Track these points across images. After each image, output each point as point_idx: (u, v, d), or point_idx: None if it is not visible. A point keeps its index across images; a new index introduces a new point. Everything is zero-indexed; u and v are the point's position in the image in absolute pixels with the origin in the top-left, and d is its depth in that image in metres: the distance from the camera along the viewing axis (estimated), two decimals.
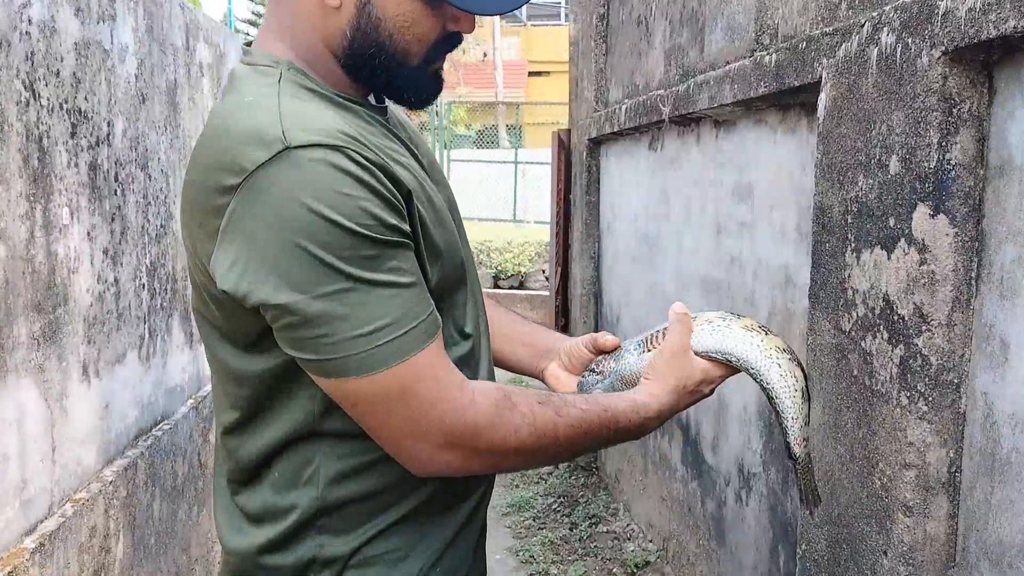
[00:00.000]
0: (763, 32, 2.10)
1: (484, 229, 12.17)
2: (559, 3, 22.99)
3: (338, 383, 0.87)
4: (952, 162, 1.27)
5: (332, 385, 0.88)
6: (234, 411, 0.98)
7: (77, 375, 2.20)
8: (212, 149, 0.89)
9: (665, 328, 1.11)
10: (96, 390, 2.32)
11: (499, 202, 14.87)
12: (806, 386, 1.07)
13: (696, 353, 1.08)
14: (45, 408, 2.03)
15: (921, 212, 1.32)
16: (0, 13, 1.88)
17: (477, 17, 0.98)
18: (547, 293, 10.05)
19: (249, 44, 1.03)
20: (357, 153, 0.86)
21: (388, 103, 1.06)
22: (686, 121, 2.75)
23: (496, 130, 19.17)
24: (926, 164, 1.30)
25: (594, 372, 1.16)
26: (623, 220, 3.84)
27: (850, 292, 1.54)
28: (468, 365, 1.02)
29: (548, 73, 19.17)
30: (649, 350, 1.12)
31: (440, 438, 0.89)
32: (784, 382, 1.05)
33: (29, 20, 1.96)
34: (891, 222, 1.40)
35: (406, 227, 0.89)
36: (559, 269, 5.48)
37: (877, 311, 1.45)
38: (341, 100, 0.96)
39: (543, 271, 11.01)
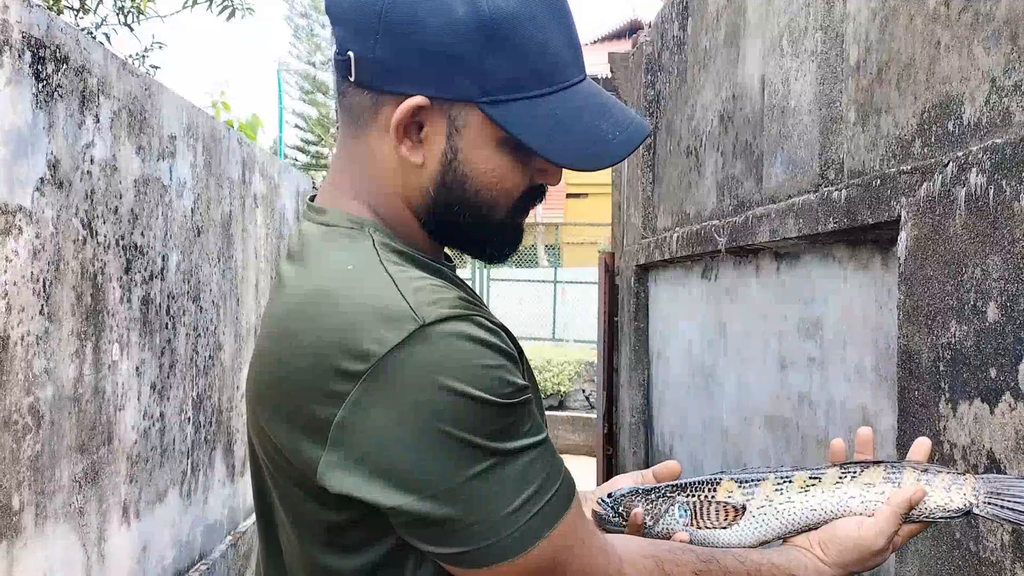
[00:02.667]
0: (828, 167, 2.06)
1: (523, 348, 12.10)
2: None
3: (489, 572, 0.78)
4: None
5: (482, 575, 0.79)
6: None
7: (117, 517, 2.12)
8: (318, 327, 0.79)
9: (712, 498, 1.00)
10: (135, 531, 2.24)
11: (538, 321, 14.87)
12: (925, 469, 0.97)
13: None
14: (83, 554, 1.94)
15: None
16: (64, 153, 1.90)
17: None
18: (588, 415, 9.86)
19: (312, 199, 0.96)
20: (483, 318, 0.80)
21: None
22: (743, 252, 2.69)
23: (535, 249, 19.39)
24: None
25: (620, 516, 1.01)
26: (674, 348, 3.74)
27: (946, 446, 1.42)
28: None
29: (586, 195, 19.49)
30: (697, 524, 0.99)
31: None
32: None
33: (91, 159, 1.98)
34: (992, 373, 1.30)
35: (527, 383, 0.83)
36: (606, 394, 5.35)
37: (981, 470, 1.33)
38: (429, 262, 0.90)
39: (583, 390, 10.86)
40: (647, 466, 4.31)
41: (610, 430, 5.29)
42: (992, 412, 1.30)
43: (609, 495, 1.04)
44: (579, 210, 19.49)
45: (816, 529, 0.99)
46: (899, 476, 0.98)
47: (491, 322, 0.81)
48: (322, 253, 0.86)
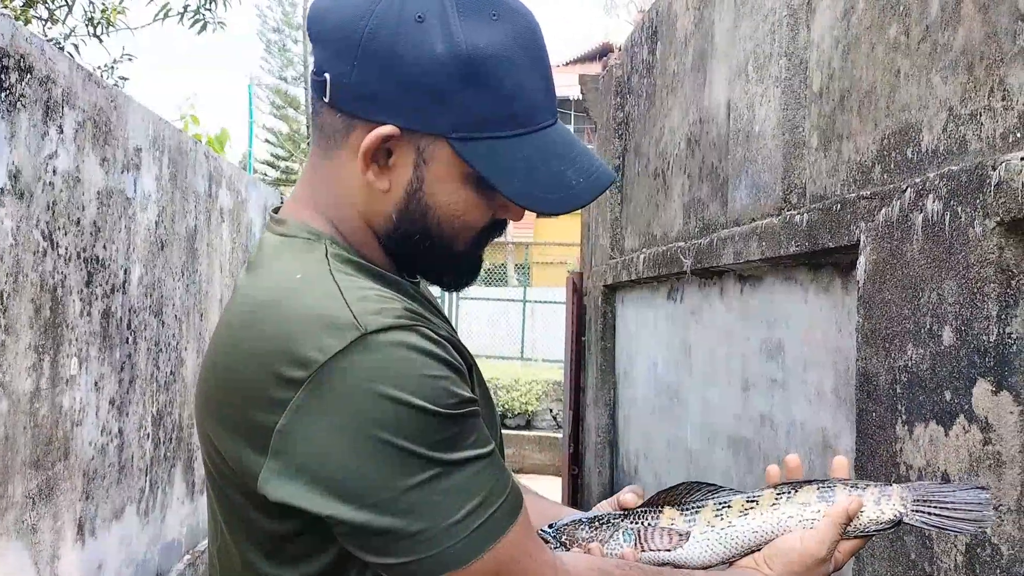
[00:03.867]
0: (791, 191, 2.09)
1: (491, 366, 12.08)
2: None
3: None
4: (1014, 336, 1.20)
5: None
6: None
7: (71, 535, 2.08)
8: (261, 335, 0.79)
9: (656, 524, 1.01)
10: (90, 550, 2.19)
11: (507, 339, 14.86)
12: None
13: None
14: (35, 573, 1.90)
15: (982, 388, 1.24)
16: (26, 163, 1.88)
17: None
18: (555, 434, 9.84)
19: (276, 211, 0.96)
20: (428, 330, 0.80)
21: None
22: (708, 273, 2.71)
23: (504, 268, 19.40)
24: (984, 337, 1.23)
25: (558, 540, 1.01)
26: (640, 368, 3.76)
27: (903, 468, 1.44)
28: None
29: (556, 214, 19.54)
30: (642, 547, 1.00)
31: None
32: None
33: (54, 170, 1.96)
34: (947, 396, 1.32)
35: (474, 396, 0.83)
36: (572, 414, 5.36)
37: None
38: (384, 274, 0.90)
39: (551, 410, 10.84)
40: (612, 485, 4.31)
41: (576, 450, 5.29)
42: (947, 434, 1.32)
43: (551, 525, 1.04)
44: (549, 230, 19.55)
45: (759, 550, 1.00)
46: (831, 493, 1.01)
47: (436, 334, 0.81)
48: (274, 262, 0.87)
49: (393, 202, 0.88)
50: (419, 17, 0.83)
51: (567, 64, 19.83)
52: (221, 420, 0.82)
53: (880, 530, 0.99)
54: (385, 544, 0.77)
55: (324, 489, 0.76)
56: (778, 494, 1.02)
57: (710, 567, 1.01)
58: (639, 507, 1.04)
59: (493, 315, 15.12)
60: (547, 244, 18.49)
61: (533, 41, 0.87)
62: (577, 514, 1.06)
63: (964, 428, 1.28)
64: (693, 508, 1.03)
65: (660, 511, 1.03)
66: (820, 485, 1.01)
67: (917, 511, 0.97)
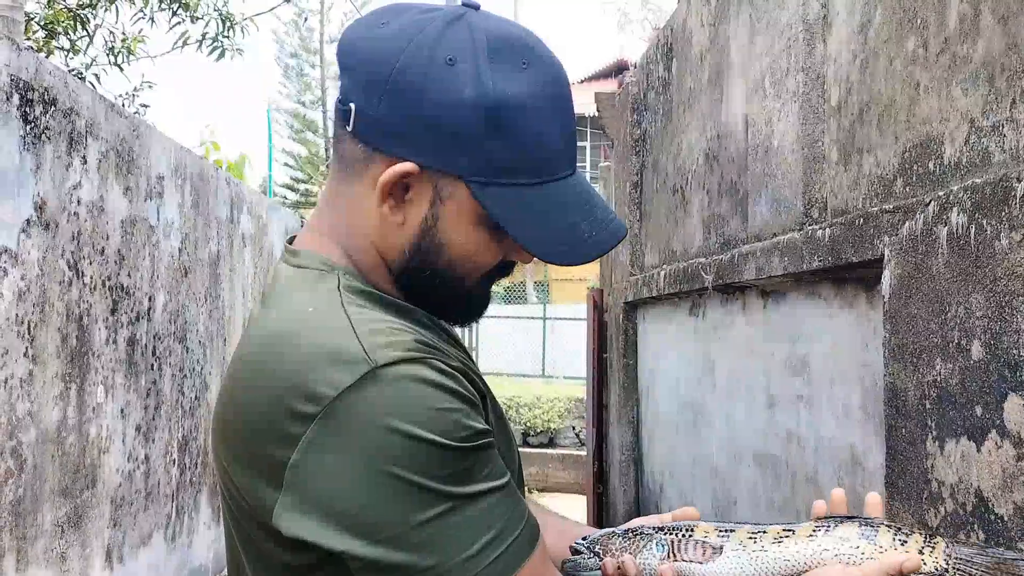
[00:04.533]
0: (812, 205, 2.08)
1: (513, 385, 12.06)
2: (584, 167, 23.81)
3: None
4: None
5: None
6: None
7: (100, 562, 2.09)
8: (274, 369, 0.80)
9: (690, 536, 1.01)
10: None
11: (528, 358, 14.84)
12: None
13: None
14: None
15: (1013, 403, 1.22)
16: (51, 195, 1.90)
17: None
18: (578, 452, 9.79)
19: (291, 241, 0.96)
20: (440, 362, 0.80)
21: None
22: (730, 289, 2.70)
23: (524, 286, 19.41)
24: (1015, 351, 1.22)
25: (597, 556, 1.02)
26: (663, 386, 3.74)
27: (935, 484, 1.42)
28: None
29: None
30: (674, 558, 1.00)
31: None
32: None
33: (78, 201, 1.98)
34: (978, 411, 1.30)
35: (488, 427, 0.82)
36: (595, 431, 5.33)
37: (969, 508, 1.33)
38: (398, 303, 0.90)
39: (574, 427, 10.79)
40: (637, 503, 4.28)
41: (600, 467, 5.26)
42: (979, 450, 1.30)
43: (584, 537, 1.04)
44: None
45: None
46: (874, 533, 0.99)
47: (449, 365, 0.80)
48: (287, 295, 0.87)
49: (407, 237, 0.88)
50: (450, 60, 0.84)
51: (582, 81, 19.88)
52: (236, 454, 0.83)
53: None
54: None
55: (337, 524, 0.76)
56: (816, 527, 1.01)
57: None
58: (674, 524, 1.04)
59: (513, 333, 15.12)
60: None
61: (559, 91, 0.88)
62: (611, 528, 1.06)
63: (996, 444, 1.26)
64: (729, 527, 1.03)
65: (695, 526, 1.03)
66: (862, 523, 1.00)
67: (959, 569, 0.96)
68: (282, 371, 0.79)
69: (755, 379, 2.54)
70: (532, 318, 15.49)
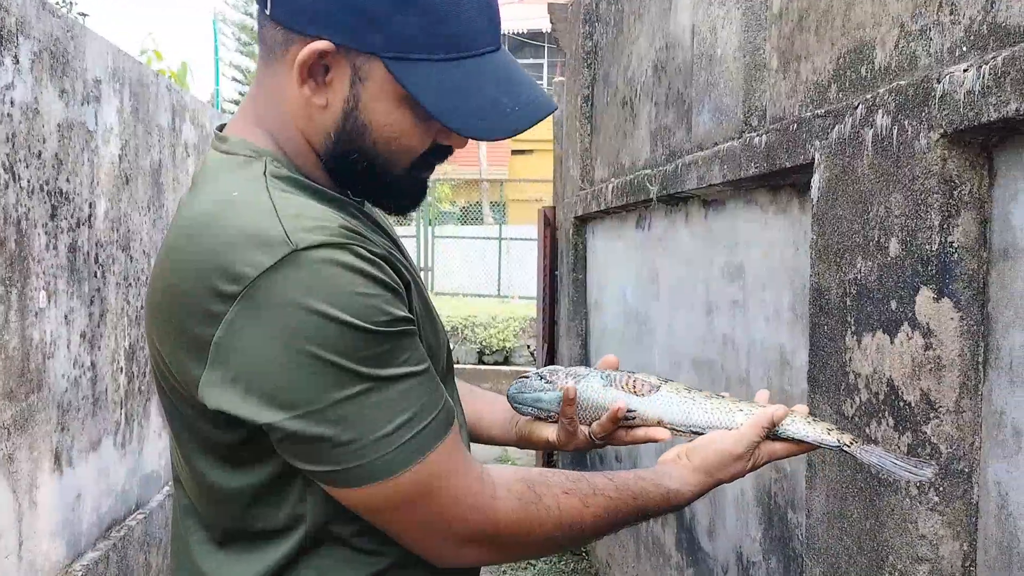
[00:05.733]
0: (751, 114, 2.11)
1: (468, 304, 12.14)
2: (541, 84, 23.46)
3: (361, 492, 0.81)
4: (955, 245, 1.25)
5: (353, 495, 0.82)
6: (207, 530, 0.90)
7: (49, 465, 2.11)
8: (198, 250, 0.82)
9: (635, 377, 1.13)
10: (68, 479, 2.23)
11: (483, 277, 14.90)
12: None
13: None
14: (13, 500, 1.93)
15: (924, 296, 1.29)
16: None
17: None
18: (533, 369, 9.94)
19: (221, 128, 0.97)
20: (362, 248, 0.82)
21: None
22: (674, 200, 2.74)
23: (480, 206, 19.32)
24: (928, 247, 1.28)
25: (544, 379, 1.13)
26: (611, 298, 3.81)
27: (851, 376, 1.50)
28: None
29: (531, 151, 19.44)
30: (616, 387, 1.11)
31: (465, 535, 0.86)
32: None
33: (11, 102, 1.94)
34: (893, 305, 1.37)
35: (410, 315, 0.85)
36: (546, 346, 5.43)
37: (881, 396, 1.40)
38: (324, 191, 0.91)
39: (528, 346, 10.94)
40: None
41: None
42: (892, 342, 1.37)
43: (533, 370, 1.17)
44: (524, 167, 19.45)
45: (700, 434, 1.10)
46: (792, 420, 1.11)
47: (372, 252, 0.83)
48: (213, 180, 0.89)
49: (331, 119, 0.89)
50: None
51: None
52: (165, 331, 0.85)
53: (808, 442, 1.08)
54: (316, 452, 0.80)
55: (258, 398, 0.79)
56: (742, 402, 1.12)
57: (658, 425, 1.11)
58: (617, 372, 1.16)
59: (469, 253, 15.13)
60: (522, 181, 18.42)
61: None
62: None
63: (908, 335, 1.33)
64: (667, 379, 1.15)
65: (636, 372, 1.15)
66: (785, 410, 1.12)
67: (864, 450, 1.08)
68: (206, 252, 0.81)
69: (695, 288, 2.61)
70: (488, 238, 15.49)
